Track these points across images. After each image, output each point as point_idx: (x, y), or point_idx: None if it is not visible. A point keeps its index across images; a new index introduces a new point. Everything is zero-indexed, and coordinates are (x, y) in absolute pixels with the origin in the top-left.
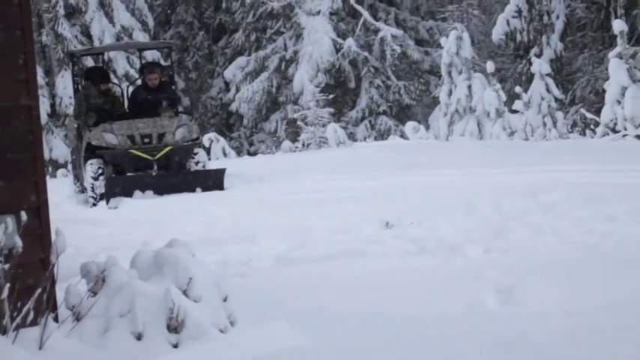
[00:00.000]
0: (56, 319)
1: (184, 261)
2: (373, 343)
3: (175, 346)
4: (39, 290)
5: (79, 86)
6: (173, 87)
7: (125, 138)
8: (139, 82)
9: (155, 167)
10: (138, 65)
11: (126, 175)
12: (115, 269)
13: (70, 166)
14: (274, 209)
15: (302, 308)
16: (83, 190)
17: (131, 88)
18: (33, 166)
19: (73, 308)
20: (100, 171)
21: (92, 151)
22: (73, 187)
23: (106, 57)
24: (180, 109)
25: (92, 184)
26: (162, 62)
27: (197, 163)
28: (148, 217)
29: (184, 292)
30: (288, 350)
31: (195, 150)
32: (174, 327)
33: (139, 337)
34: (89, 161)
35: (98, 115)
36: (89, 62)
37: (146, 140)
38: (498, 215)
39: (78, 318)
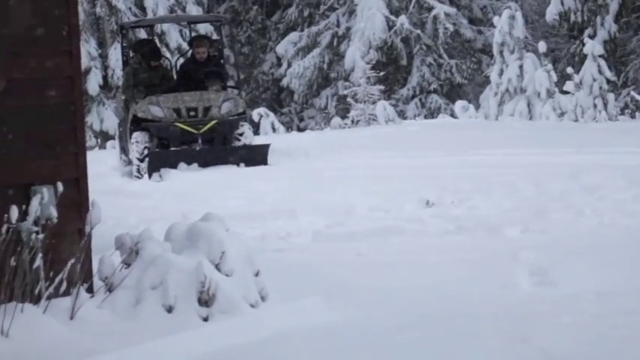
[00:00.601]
0: (90, 290)
1: (218, 235)
2: (403, 321)
3: (206, 319)
4: (72, 260)
5: (129, 59)
6: (222, 61)
7: (171, 111)
8: (189, 55)
9: (200, 141)
10: (174, 41)
11: (169, 150)
12: (149, 242)
13: (117, 138)
14: (317, 185)
15: (335, 284)
16: (130, 162)
17: (180, 61)
18: (74, 137)
19: (106, 279)
20: (145, 151)
21: (138, 124)
22: (120, 159)
23: (158, 30)
24: (231, 83)
25: (138, 165)
26: (214, 36)
27: (242, 137)
28: (192, 190)
29: (216, 266)
30: (318, 326)
31: (241, 124)
32: (204, 300)
33: (169, 310)
34: (134, 138)
35: (147, 90)
36: (142, 35)
37: (192, 113)
38: (540, 196)
39: (110, 289)
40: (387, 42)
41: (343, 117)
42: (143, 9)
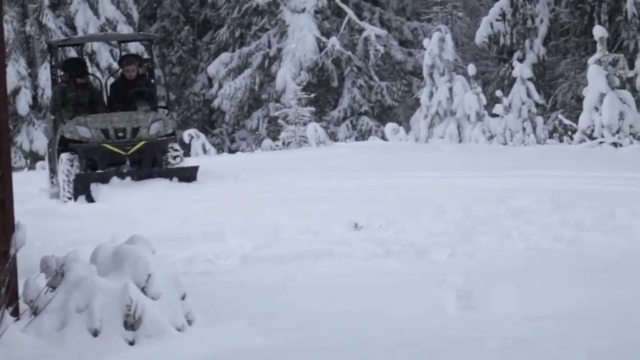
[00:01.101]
0: (16, 313)
1: (144, 258)
2: (330, 345)
3: (132, 343)
4: None
5: (57, 78)
6: (152, 80)
7: (99, 132)
8: (119, 74)
9: (128, 162)
10: (104, 60)
11: (96, 172)
12: (75, 264)
13: (46, 159)
14: (246, 207)
15: (263, 308)
16: (58, 184)
17: (111, 80)
18: None
19: (31, 302)
20: (72, 173)
21: (66, 144)
22: (49, 180)
23: (89, 49)
24: (161, 103)
25: (64, 187)
26: (145, 56)
27: (173, 158)
28: (120, 211)
29: (143, 290)
30: (244, 350)
31: (171, 145)
32: (131, 324)
33: (95, 334)
34: (62, 158)
35: (75, 109)
36: (73, 54)
37: (120, 134)
38: (467, 219)
39: (35, 312)
40: (318, 63)
41: (274, 139)
42: (74, 28)
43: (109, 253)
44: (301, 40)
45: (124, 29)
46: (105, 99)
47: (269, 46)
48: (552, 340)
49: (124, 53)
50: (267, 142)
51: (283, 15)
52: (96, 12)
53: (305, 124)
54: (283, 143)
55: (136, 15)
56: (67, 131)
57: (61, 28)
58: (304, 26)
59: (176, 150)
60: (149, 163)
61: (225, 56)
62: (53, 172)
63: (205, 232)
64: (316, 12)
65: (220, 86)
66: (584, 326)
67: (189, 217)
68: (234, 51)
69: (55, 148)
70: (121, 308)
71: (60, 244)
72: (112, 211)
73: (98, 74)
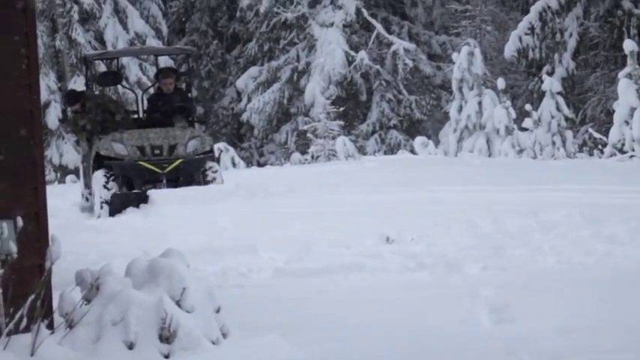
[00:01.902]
0: (51, 326)
1: (178, 271)
2: (360, 357)
3: (167, 356)
4: (32, 296)
5: (92, 91)
6: (189, 95)
7: (135, 149)
8: (152, 90)
9: (164, 181)
10: (151, 73)
11: (132, 192)
12: (110, 277)
13: (81, 173)
14: (277, 221)
15: (297, 321)
16: (92, 199)
17: (146, 95)
18: (33, 171)
19: (67, 315)
20: (108, 192)
21: (101, 161)
22: (83, 193)
23: (119, 63)
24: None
25: (100, 204)
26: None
27: (212, 177)
28: (151, 226)
29: (177, 303)
30: None
31: (209, 163)
32: (165, 337)
33: (130, 347)
34: (97, 176)
35: (105, 122)
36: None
37: (156, 152)
38: (498, 233)
39: (71, 325)
40: (346, 77)
41: (303, 152)
42: (103, 42)
43: (143, 267)
44: (330, 54)
45: (153, 43)
46: (141, 113)
47: (297, 60)
48: (586, 353)
49: (161, 67)
50: (296, 155)
51: (312, 29)
52: (125, 26)
53: (334, 138)
54: (312, 157)
55: (165, 29)
56: (102, 148)
57: (90, 42)
58: (333, 40)
59: (214, 168)
60: (186, 181)
61: (253, 70)
62: (87, 186)
63: (237, 245)
64: (345, 26)
65: (249, 100)
66: (616, 339)
67: (220, 231)
68: (262, 65)
69: (90, 164)
70: (156, 321)
71: (92, 257)
72: (143, 225)
73: (127, 87)
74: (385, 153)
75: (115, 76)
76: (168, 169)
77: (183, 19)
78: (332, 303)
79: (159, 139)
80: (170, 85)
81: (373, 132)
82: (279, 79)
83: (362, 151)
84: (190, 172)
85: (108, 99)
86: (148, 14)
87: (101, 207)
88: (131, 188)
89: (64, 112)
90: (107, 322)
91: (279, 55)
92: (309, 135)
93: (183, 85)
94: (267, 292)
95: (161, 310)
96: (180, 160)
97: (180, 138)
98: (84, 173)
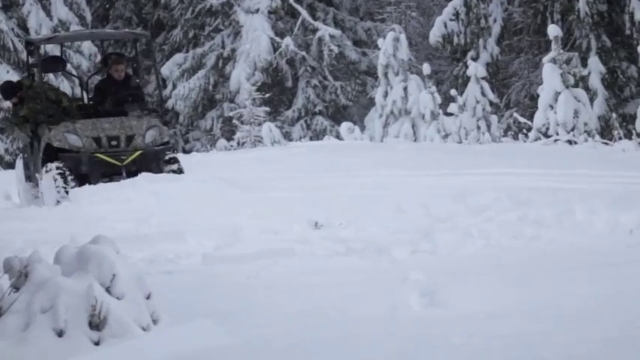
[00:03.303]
0: None
1: (108, 257)
2: (295, 343)
3: (97, 343)
4: None
5: (31, 79)
6: (138, 81)
7: (90, 140)
8: (99, 76)
9: (124, 174)
10: (74, 60)
11: (91, 186)
12: (39, 265)
13: (20, 165)
14: (204, 207)
15: (227, 307)
16: (37, 195)
17: (93, 80)
18: None
19: None
20: (61, 185)
21: (51, 153)
22: (19, 188)
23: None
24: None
25: (53, 195)
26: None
27: (172, 169)
28: (77, 213)
29: (107, 289)
30: (211, 349)
31: (169, 154)
32: (96, 324)
33: (60, 334)
34: (50, 169)
35: (49, 111)
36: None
37: (113, 143)
38: (427, 217)
39: None
40: (272, 63)
41: (229, 139)
42: (26, 29)
43: (72, 254)
44: (255, 40)
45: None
46: (86, 100)
47: (223, 47)
48: (516, 337)
49: (109, 52)
50: (222, 142)
51: (237, 15)
52: (49, 13)
53: (260, 124)
54: (238, 143)
55: (89, 16)
56: (54, 139)
57: (13, 29)
58: (258, 27)
59: (173, 160)
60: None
61: (178, 57)
62: (30, 179)
63: (165, 232)
64: (270, 12)
65: (174, 87)
66: (548, 323)
67: (147, 217)
68: (187, 52)
69: (39, 155)
70: (86, 308)
71: (19, 245)
72: (72, 212)
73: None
74: (311, 139)
75: (61, 61)
76: (127, 161)
77: (107, 5)
78: (262, 289)
79: (115, 130)
80: (122, 72)
81: (299, 118)
82: (205, 66)
83: (288, 137)
84: (150, 164)
85: (47, 87)
86: (72, 1)
87: (57, 202)
88: (85, 182)
89: None
90: (36, 310)
91: (204, 41)
92: (234, 121)
93: (131, 72)
94: (196, 278)
95: (91, 297)
96: (139, 152)
97: (138, 128)
98: (25, 166)
